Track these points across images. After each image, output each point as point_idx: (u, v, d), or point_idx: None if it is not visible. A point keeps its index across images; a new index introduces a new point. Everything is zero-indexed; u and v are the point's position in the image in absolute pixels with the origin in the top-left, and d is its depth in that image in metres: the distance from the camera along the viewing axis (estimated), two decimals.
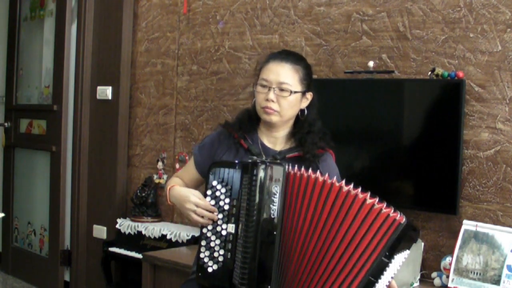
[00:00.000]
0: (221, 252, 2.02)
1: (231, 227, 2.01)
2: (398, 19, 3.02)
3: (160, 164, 4.04)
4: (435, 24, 2.91)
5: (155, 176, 4.04)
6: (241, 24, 3.65)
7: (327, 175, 1.99)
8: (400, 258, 1.96)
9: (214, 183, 2.06)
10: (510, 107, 2.72)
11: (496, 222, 2.72)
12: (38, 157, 4.65)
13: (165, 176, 4.01)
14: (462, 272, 2.66)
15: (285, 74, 2.22)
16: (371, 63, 3.03)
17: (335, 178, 1.98)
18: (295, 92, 2.22)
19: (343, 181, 1.97)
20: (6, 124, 4.91)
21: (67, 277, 4.46)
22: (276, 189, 1.97)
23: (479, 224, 2.70)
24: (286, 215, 1.98)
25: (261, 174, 1.97)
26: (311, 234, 1.95)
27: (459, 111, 2.75)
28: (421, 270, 2.82)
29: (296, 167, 2.01)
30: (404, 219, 1.94)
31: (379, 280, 1.92)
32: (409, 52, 2.98)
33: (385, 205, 1.94)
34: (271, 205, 1.96)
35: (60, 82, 4.34)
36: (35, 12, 4.71)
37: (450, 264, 2.69)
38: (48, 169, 4.50)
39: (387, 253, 1.92)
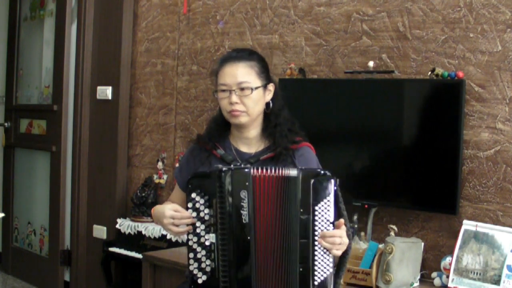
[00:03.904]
0: (208, 262, 2.04)
1: (212, 237, 2.03)
2: (398, 19, 3.02)
3: (160, 164, 4.04)
4: (435, 24, 2.91)
5: (155, 176, 4.04)
6: (241, 24, 3.65)
7: (283, 169, 2.02)
8: (324, 207, 1.99)
9: (193, 195, 2.06)
10: (510, 107, 2.72)
11: (496, 222, 2.72)
12: (38, 157, 4.65)
13: (165, 176, 4.01)
14: (462, 272, 2.66)
15: (242, 74, 2.20)
16: (371, 63, 3.03)
17: (288, 170, 2.01)
18: (256, 88, 2.21)
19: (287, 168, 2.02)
20: (6, 124, 4.91)
21: (67, 277, 4.46)
22: (244, 194, 2.00)
23: (479, 224, 2.70)
24: (258, 218, 2.01)
25: (228, 181, 2.00)
26: (280, 230, 2.01)
27: (459, 111, 2.75)
28: (421, 270, 2.82)
29: (261, 168, 2.03)
30: (295, 172, 2.00)
31: (315, 238, 1.99)
32: (409, 52, 2.98)
33: (286, 170, 2.01)
34: (241, 211, 2.00)
35: (60, 82, 4.35)
36: (35, 12, 4.71)
37: (450, 264, 2.69)
38: (48, 169, 4.50)
39: (301, 210, 1.98)
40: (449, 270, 2.70)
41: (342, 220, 2.03)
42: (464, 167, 2.81)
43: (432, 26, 2.92)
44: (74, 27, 4.38)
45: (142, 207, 3.94)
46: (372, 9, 3.11)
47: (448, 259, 2.74)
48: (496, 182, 2.74)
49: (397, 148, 2.97)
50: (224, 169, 2.01)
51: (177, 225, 2.09)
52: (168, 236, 3.62)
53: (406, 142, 2.97)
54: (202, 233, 2.05)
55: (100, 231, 4.25)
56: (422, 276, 2.84)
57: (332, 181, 2.00)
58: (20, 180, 4.86)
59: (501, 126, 2.73)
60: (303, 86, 3.25)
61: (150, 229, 3.75)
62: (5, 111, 5.01)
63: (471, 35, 2.80)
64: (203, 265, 2.04)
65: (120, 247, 3.86)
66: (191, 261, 2.05)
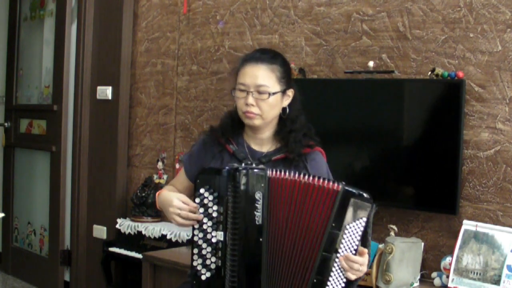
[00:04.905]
0: (213, 259, 2.03)
1: (220, 235, 2.02)
2: (398, 19, 3.02)
3: (160, 164, 4.04)
4: (435, 24, 2.91)
5: (155, 176, 4.04)
6: (241, 24, 3.65)
7: (304, 174, 2.00)
8: (355, 228, 1.97)
9: (202, 190, 2.05)
10: (510, 107, 2.72)
11: (496, 222, 2.73)
12: (38, 157, 4.65)
13: (165, 176, 4.01)
14: (462, 272, 2.66)
15: (262, 76, 2.17)
16: (371, 63, 3.03)
17: (311, 177, 1.99)
18: (274, 93, 2.18)
19: (318, 177, 1.99)
20: (6, 124, 4.91)
21: (67, 277, 4.46)
22: (259, 195, 1.98)
23: (479, 224, 2.70)
24: (272, 220, 1.99)
25: (243, 181, 1.98)
26: (295, 235, 1.99)
27: (459, 111, 2.75)
28: (421, 270, 2.82)
29: (279, 170, 2.01)
30: (340, 187, 1.97)
31: (338, 254, 1.97)
32: (409, 52, 2.98)
33: (327, 181, 1.99)
34: (255, 212, 1.98)
35: (60, 82, 4.35)
36: (35, 12, 4.71)
37: (450, 264, 2.69)
38: (48, 169, 4.50)
39: (333, 224, 1.96)
40: (449, 270, 2.70)
41: (366, 250, 2.01)
42: (464, 167, 2.81)
43: (432, 26, 2.91)
44: (74, 27, 4.38)
45: (142, 207, 3.93)
46: (372, 9, 3.11)
47: (448, 259, 2.74)
48: (496, 182, 2.74)
49: (397, 148, 2.97)
50: (239, 168, 1.99)
51: (182, 217, 2.08)
52: (168, 236, 3.62)
53: (406, 142, 2.97)
54: (209, 230, 2.04)
55: (100, 231, 4.25)
56: (422, 276, 2.84)
57: (370, 205, 1.98)
58: (20, 180, 4.86)
59: (501, 126, 2.73)
60: (303, 86, 3.23)
61: (150, 229, 3.75)
62: (5, 111, 5.01)
63: (471, 35, 2.80)
64: (207, 262, 2.03)
65: (120, 247, 3.86)
66: (195, 257, 2.04)
